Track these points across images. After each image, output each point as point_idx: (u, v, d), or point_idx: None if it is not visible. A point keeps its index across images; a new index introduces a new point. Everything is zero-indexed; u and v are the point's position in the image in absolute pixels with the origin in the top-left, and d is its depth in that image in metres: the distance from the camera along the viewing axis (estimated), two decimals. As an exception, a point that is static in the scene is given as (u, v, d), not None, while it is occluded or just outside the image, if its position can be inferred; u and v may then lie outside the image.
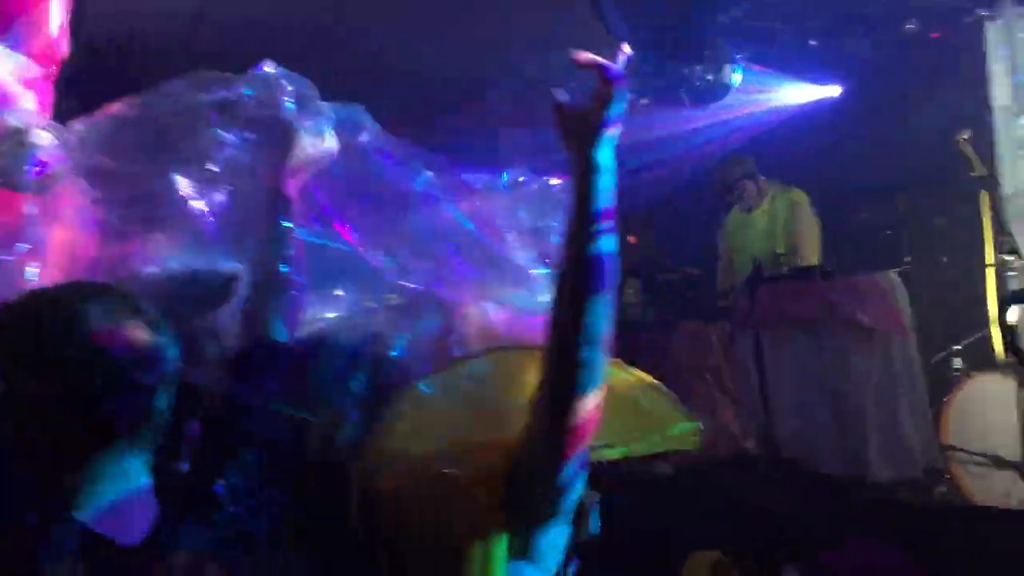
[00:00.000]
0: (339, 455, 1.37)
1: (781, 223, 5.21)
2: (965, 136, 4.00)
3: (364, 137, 1.63)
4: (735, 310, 4.71)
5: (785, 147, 5.89)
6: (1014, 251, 4.16)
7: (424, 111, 6.32)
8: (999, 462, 4.62)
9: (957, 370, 5.21)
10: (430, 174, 1.63)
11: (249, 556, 1.33)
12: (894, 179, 6.83)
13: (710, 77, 5.99)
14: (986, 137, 6.34)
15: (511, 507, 1.28)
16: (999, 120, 6.53)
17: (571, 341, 1.21)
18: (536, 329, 1.35)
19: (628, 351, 4.91)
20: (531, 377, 1.30)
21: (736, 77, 6.02)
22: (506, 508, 1.28)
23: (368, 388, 1.41)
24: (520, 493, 1.28)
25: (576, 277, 1.22)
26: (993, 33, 6.59)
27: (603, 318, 1.22)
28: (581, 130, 1.23)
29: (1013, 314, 3.40)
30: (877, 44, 6.94)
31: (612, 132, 1.23)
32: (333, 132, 1.61)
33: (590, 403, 1.23)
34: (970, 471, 4.87)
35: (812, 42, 6.93)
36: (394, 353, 1.44)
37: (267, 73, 1.62)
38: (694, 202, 7.56)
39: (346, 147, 1.61)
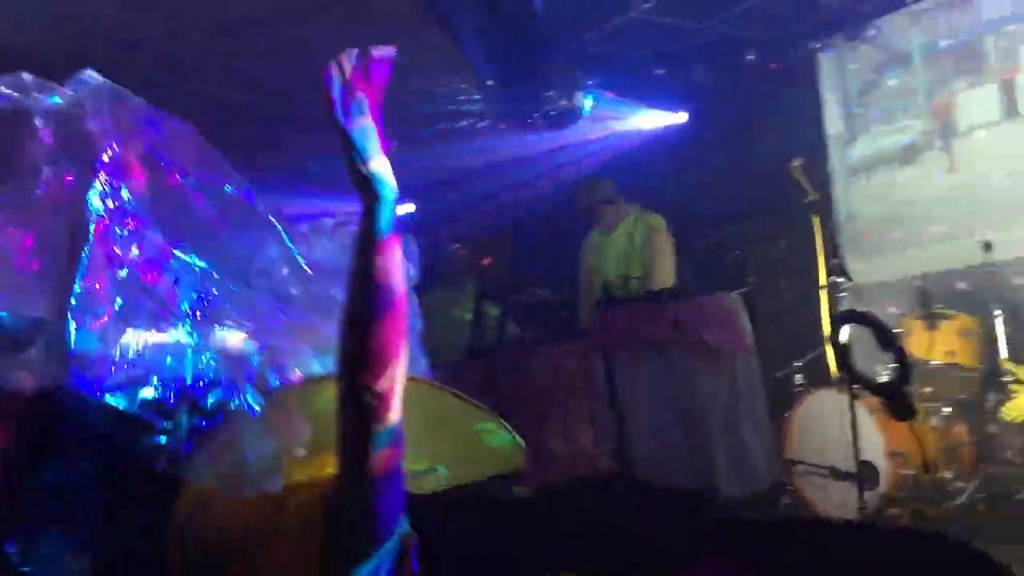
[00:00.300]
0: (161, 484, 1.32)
1: (638, 246, 5.33)
2: (798, 163, 4.20)
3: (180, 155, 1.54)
4: (590, 332, 4.78)
5: (638, 171, 6.06)
6: (844, 274, 4.38)
7: (272, 135, 6.19)
8: (836, 473, 4.85)
9: (798, 386, 5.46)
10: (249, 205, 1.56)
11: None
12: (739, 204, 7.11)
13: (563, 102, 6.10)
14: (820, 164, 6.70)
15: (330, 546, 1.25)
16: (832, 148, 6.92)
17: (359, 371, 1.19)
18: None
19: (486, 373, 4.91)
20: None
21: (587, 103, 6.15)
22: (325, 548, 1.25)
23: (186, 426, 1.35)
24: (338, 532, 1.25)
25: (361, 303, 1.20)
26: (826, 64, 6.98)
27: (391, 344, 1.19)
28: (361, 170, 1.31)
29: (844, 333, 3.57)
30: (721, 73, 7.23)
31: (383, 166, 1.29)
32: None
33: (385, 438, 1.21)
34: (811, 483, 5.09)
35: (659, 70, 7.16)
36: (211, 399, 1.37)
37: (90, 80, 1.50)
38: (549, 224, 7.68)
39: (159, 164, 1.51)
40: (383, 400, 1.19)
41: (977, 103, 6.12)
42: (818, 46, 6.89)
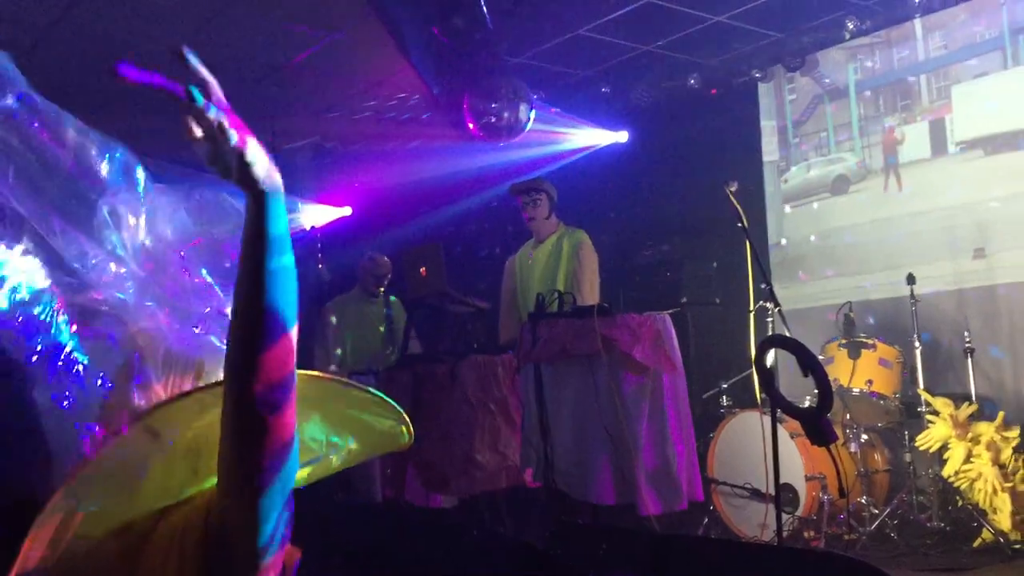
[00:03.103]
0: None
1: (564, 261, 5.35)
2: (733, 187, 4.26)
3: (10, 99, 1.30)
4: (519, 345, 4.78)
5: (573, 187, 6.10)
6: (772, 299, 4.46)
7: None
8: (756, 495, 4.93)
9: (724, 407, 5.53)
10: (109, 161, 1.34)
11: None
12: (674, 224, 7.21)
13: (505, 114, 6.11)
14: (756, 189, 6.82)
15: (211, 564, 1.16)
16: (768, 174, 7.06)
17: (249, 384, 1.08)
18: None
19: (416, 381, 4.86)
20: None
21: (530, 116, 6.18)
22: (205, 566, 1.16)
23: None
24: (219, 549, 1.16)
25: (246, 312, 1.09)
26: (764, 93, 7.13)
27: (287, 355, 1.10)
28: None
29: (769, 357, 3.63)
30: (662, 95, 7.33)
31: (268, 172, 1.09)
32: None
33: (279, 453, 1.11)
34: (731, 504, 5.16)
35: (603, 89, 7.24)
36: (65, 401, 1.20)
37: None
38: (484, 235, 7.70)
39: None
40: (276, 414, 1.10)
41: (909, 139, 6.30)
42: (758, 75, 7.02)
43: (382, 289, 6.52)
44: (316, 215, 8.55)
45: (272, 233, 1.09)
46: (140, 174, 1.38)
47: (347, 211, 8.65)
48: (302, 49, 6.31)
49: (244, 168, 1.06)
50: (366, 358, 6.26)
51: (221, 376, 1.17)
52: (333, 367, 6.22)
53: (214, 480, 1.18)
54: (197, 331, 1.32)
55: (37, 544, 1.11)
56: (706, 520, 5.19)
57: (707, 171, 6.57)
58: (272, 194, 1.09)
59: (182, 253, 1.38)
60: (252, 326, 1.08)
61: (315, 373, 1.31)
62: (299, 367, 1.18)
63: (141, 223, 1.36)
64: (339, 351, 6.41)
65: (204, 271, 1.39)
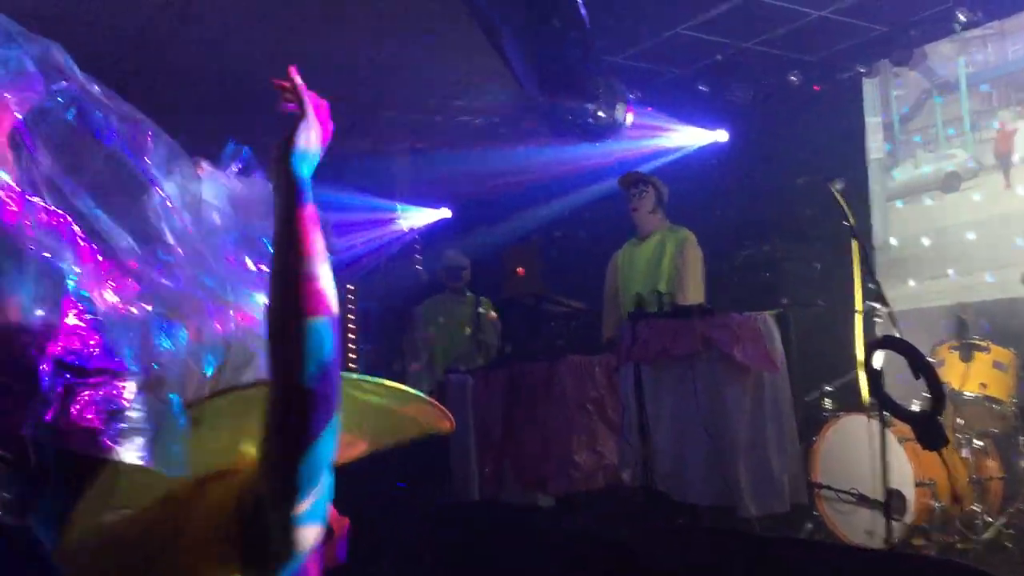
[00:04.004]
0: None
1: (667, 259, 5.31)
2: (839, 186, 4.17)
3: (63, 84, 1.31)
4: (619, 344, 4.77)
5: (675, 187, 6.04)
6: (881, 299, 4.33)
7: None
8: (863, 501, 4.79)
9: (827, 410, 5.39)
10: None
11: None
12: (775, 223, 7.07)
13: (602, 115, 6.10)
14: (861, 187, 6.65)
15: (247, 546, 1.16)
16: (873, 172, 6.87)
17: (286, 370, 1.12)
18: None
19: (511, 381, 4.91)
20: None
21: (628, 116, 6.15)
22: (240, 550, 1.16)
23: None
24: (255, 530, 1.16)
25: (283, 299, 1.14)
26: (869, 89, 6.94)
27: (317, 343, 1.12)
28: (280, 146, 1.24)
29: (877, 359, 3.53)
30: (763, 93, 7.21)
31: (305, 148, 1.23)
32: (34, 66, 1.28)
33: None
34: (836, 509, 5.03)
35: (701, 87, 7.16)
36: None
37: None
38: (583, 236, 7.69)
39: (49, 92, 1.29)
40: (319, 400, 1.13)
41: (1022, 134, 6.05)
42: (863, 71, 6.84)
43: (466, 287, 6.57)
44: (415, 217, 8.68)
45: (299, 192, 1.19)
46: (185, 164, 1.41)
47: (446, 213, 8.76)
48: (400, 51, 6.41)
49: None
50: (455, 357, 6.32)
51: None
52: (417, 366, 6.31)
53: (253, 450, 1.19)
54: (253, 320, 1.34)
55: (86, 512, 1.15)
56: (809, 525, 5.07)
57: (809, 169, 6.43)
58: (304, 160, 1.22)
59: (227, 241, 1.40)
60: (286, 298, 1.14)
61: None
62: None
63: (191, 210, 1.39)
64: (427, 351, 6.50)
65: (248, 259, 1.41)
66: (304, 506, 1.14)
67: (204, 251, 1.37)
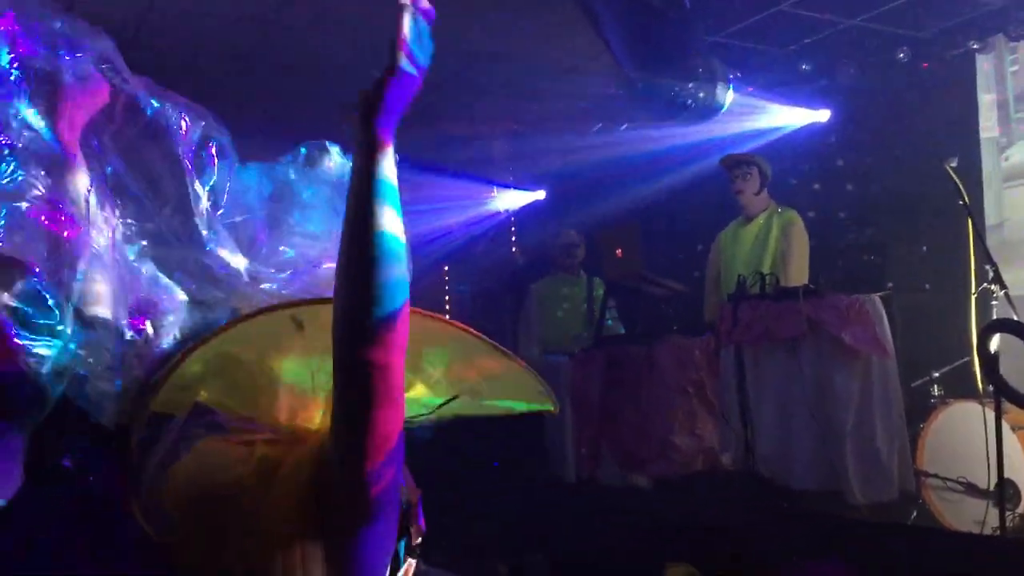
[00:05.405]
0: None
1: (772, 241, 5.23)
2: (953, 163, 4.04)
3: (124, 85, 1.35)
4: (720, 326, 4.73)
5: (777, 168, 5.93)
6: (999, 281, 4.19)
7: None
8: (972, 490, 4.65)
9: (935, 397, 5.25)
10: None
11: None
12: (880, 204, 6.88)
13: (702, 95, 6.02)
14: (972, 167, 6.41)
15: (323, 510, 1.19)
16: (986, 151, 6.62)
17: (357, 329, 1.12)
18: None
19: (609, 362, 4.90)
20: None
21: (728, 96, 6.06)
22: (317, 512, 1.19)
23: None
24: (330, 493, 1.18)
25: (357, 256, 1.13)
26: (982, 65, 6.68)
27: (389, 298, 1.12)
28: (365, 103, 1.16)
29: (994, 344, 3.42)
30: (868, 71, 7.00)
31: (391, 104, 1.15)
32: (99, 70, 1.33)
33: (388, 403, 1.14)
34: (943, 497, 4.90)
35: (804, 66, 6.99)
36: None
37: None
38: (682, 217, 7.61)
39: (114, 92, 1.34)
40: (386, 373, 1.12)
41: None
42: (976, 47, 6.59)
43: (579, 266, 6.56)
44: (511, 199, 8.72)
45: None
46: (232, 153, 1.45)
47: (541, 195, 8.77)
48: (496, 36, 6.42)
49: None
50: (568, 338, 6.31)
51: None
52: (535, 349, 6.32)
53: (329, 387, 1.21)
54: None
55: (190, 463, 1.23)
56: (915, 513, 4.95)
57: (916, 149, 6.23)
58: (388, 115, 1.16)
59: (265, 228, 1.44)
60: (360, 255, 1.13)
61: (439, 317, 1.33)
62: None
63: (236, 199, 1.43)
64: (541, 332, 6.51)
65: (287, 249, 1.45)
66: (375, 465, 1.15)
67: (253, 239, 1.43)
